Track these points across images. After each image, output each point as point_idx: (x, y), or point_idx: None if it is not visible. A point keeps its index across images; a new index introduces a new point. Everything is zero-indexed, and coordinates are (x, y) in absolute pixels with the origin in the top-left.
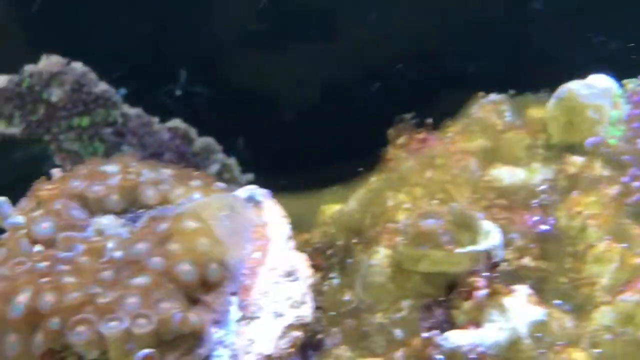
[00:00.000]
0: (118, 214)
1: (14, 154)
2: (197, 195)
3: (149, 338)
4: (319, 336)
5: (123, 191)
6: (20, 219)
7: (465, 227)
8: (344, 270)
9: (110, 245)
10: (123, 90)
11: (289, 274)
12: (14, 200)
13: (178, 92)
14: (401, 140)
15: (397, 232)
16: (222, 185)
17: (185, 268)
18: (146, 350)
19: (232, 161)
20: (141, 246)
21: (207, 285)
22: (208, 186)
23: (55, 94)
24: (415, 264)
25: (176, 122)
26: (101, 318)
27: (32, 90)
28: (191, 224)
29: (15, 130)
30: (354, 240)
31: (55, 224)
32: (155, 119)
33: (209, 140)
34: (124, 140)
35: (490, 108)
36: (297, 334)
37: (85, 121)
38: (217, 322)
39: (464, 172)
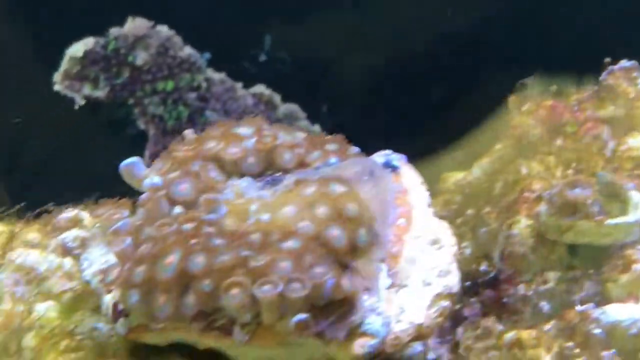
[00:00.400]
0: (254, 177)
1: (98, 117)
2: (333, 159)
3: (301, 303)
4: (456, 306)
5: (259, 154)
6: (158, 179)
7: (614, 198)
8: (476, 240)
9: (253, 208)
10: (207, 55)
11: (434, 242)
12: (99, 165)
13: (262, 58)
14: (527, 107)
15: (538, 202)
16: (357, 149)
17: (335, 233)
18: (301, 315)
19: (316, 128)
20: (288, 210)
21: (356, 251)
22: (344, 150)
23: (140, 57)
24: (560, 234)
25: (260, 88)
26: (254, 281)
27: (117, 53)
28: (339, 189)
29: (100, 93)
30: (486, 210)
31: (194, 185)
32: (239, 85)
33: (293, 107)
34: (208, 105)
35: (620, 75)
36: (446, 303)
37: (170, 85)
38: (368, 289)
39: (597, 140)
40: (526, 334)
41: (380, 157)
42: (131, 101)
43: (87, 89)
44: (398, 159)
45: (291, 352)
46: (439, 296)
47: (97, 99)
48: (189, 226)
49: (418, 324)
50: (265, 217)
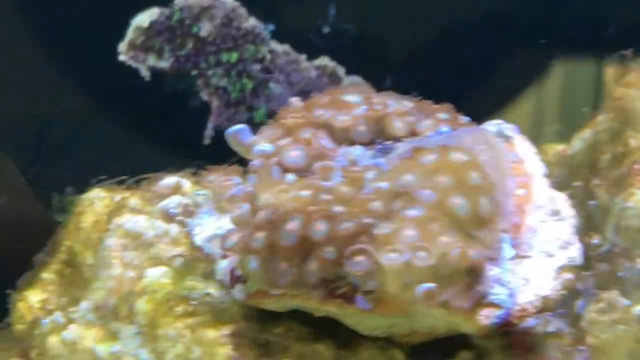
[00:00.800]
0: (364, 145)
1: (162, 88)
2: (445, 128)
3: (427, 272)
4: None
5: (370, 122)
6: (268, 146)
7: None
8: (585, 212)
9: (369, 175)
10: (271, 26)
11: (555, 213)
12: (161, 135)
13: (326, 30)
14: (629, 78)
15: None
16: (467, 118)
17: (458, 202)
18: (428, 284)
19: None
20: (409, 177)
21: (479, 220)
22: (455, 119)
23: (205, 29)
24: None
25: (324, 60)
26: (379, 249)
27: (182, 24)
28: (460, 157)
29: (164, 64)
30: (596, 182)
31: (306, 152)
32: (303, 57)
33: (356, 79)
34: (272, 77)
35: None
36: (568, 275)
37: (234, 57)
38: (492, 260)
39: None
40: None
41: (492, 126)
42: (194, 72)
43: (151, 60)
44: (510, 128)
45: (414, 321)
46: (562, 268)
47: (161, 69)
48: (307, 193)
49: (543, 295)
50: (383, 184)
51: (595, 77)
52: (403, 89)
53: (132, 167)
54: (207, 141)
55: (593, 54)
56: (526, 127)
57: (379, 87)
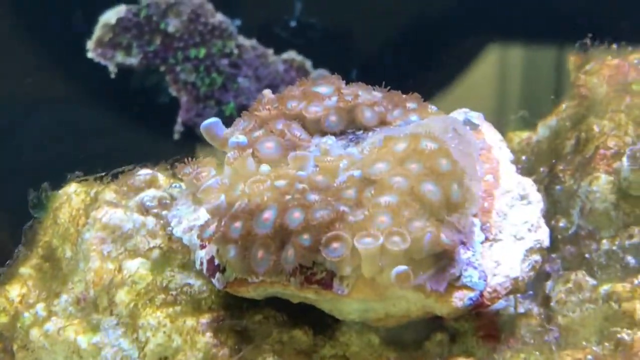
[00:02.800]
0: (336, 135)
1: (131, 85)
2: (414, 117)
3: (402, 256)
4: None
5: (341, 112)
6: (243, 138)
7: None
8: (551, 197)
9: (342, 164)
10: (238, 21)
11: (523, 197)
12: (133, 131)
13: (293, 24)
14: (590, 66)
15: (616, 158)
16: (435, 108)
17: (429, 188)
18: (402, 267)
19: None
20: (381, 165)
21: (450, 205)
22: (424, 108)
23: (172, 25)
24: None
25: (291, 54)
26: (354, 235)
27: (149, 21)
28: (430, 145)
29: (133, 60)
30: (561, 167)
31: (280, 143)
32: (270, 51)
33: (324, 73)
34: (240, 71)
35: None
36: (537, 257)
37: (202, 52)
38: (463, 243)
39: None
40: (620, 287)
41: (459, 114)
42: (163, 68)
43: (119, 57)
44: (477, 116)
45: (389, 305)
46: (531, 250)
47: (129, 66)
48: (282, 182)
49: (514, 277)
50: (357, 173)
51: (557, 65)
52: (368, 81)
53: (108, 159)
54: (176, 136)
55: (549, 40)
56: (492, 114)
57: (346, 79)
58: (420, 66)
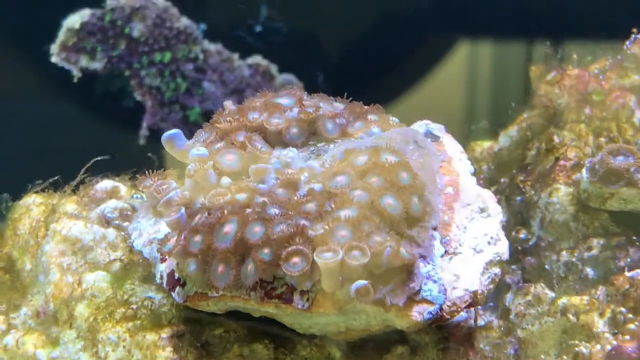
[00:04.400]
0: (297, 147)
1: (95, 89)
2: (375, 129)
3: (361, 270)
4: None
5: (303, 124)
6: (204, 150)
7: None
8: (512, 208)
9: (303, 177)
10: (203, 26)
11: (483, 210)
12: (96, 136)
13: (258, 29)
14: (551, 76)
15: (575, 170)
16: (396, 119)
17: (389, 201)
18: (361, 282)
19: None
20: (341, 179)
21: (410, 219)
22: (385, 120)
23: (137, 29)
24: (604, 202)
25: (257, 59)
26: (314, 249)
27: (114, 25)
28: (391, 158)
29: (97, 65)
30: (521, 178)
31: (241, 156)
32: (236, 55)
33: (290, 77)
34: (205, 76)
35: None
36: (497, 270)
37: (167, 56)
38: (423, 257)
39: (624, 109)
40: (578, 300)
41: (420, 126)
42: (128, 73)
43: (84, 61)
44: (438, 128)
45: (350, 319)
46: (490, 263)
47: (94, 71)
48: (242, 196)
49: (473, 290)
50: (317, 186)
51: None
52: (335, 84)
53: (70, 165)
54: (142, 141)
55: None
56: (455, 124)
57: (312, 83)
58: (386, 68)
